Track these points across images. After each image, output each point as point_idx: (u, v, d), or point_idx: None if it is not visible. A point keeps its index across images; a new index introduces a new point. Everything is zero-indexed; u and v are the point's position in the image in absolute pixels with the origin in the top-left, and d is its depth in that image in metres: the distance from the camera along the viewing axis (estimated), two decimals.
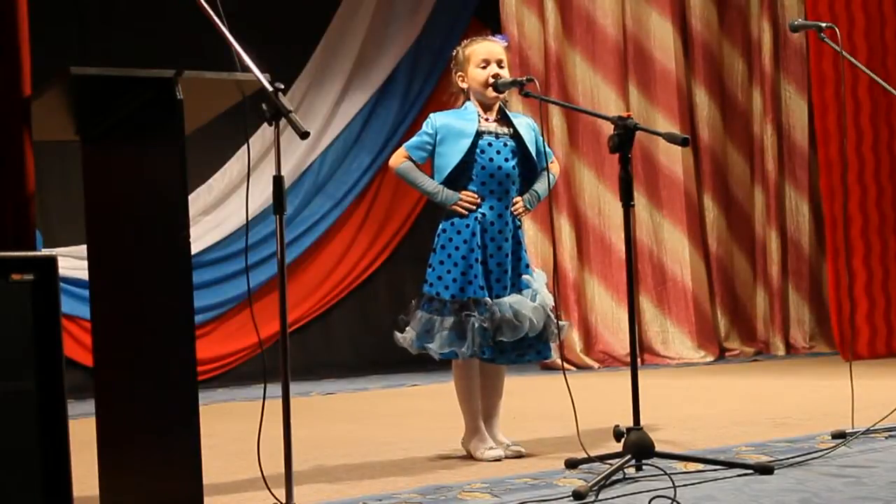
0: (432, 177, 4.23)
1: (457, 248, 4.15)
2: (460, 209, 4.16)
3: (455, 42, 4.39)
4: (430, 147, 4.23)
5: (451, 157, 4.18)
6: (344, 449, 4.56)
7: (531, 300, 4.14)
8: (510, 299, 4.13)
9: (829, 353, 8.43)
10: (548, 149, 4.28)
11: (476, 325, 4.06)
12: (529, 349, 4.19)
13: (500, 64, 4.21)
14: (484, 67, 4.20)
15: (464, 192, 4.17)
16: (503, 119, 4.27)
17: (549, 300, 4.19)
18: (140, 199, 3.18)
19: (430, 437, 4.76)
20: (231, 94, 3.25)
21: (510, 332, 4.09)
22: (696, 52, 8.68)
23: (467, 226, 4.16)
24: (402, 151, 4.26)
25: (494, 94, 4.19)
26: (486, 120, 4.23)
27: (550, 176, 4.24)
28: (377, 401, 6.79)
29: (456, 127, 4.21)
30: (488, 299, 4.10)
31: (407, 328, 4.19)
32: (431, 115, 4.30)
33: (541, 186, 4.25)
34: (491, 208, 4.18)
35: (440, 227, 4.23)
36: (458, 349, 4.09)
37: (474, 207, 4.16)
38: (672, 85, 8.46)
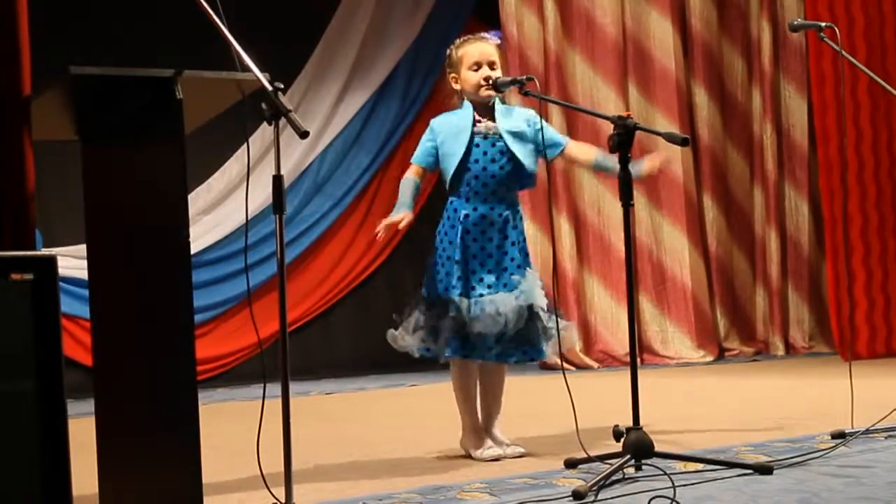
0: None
1: (443, 251, 4.20)
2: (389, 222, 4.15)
3: (457, 37, 4.38)
4: (434, 150, 4.25)
5: (450, 158, 4.21)
6: (344, 449, 4.57)
7: (514, 299, 4.13)
8: (493, 296, 4.12)
9: (828, 353, 8.43)
10: (556, 136, 4.34)
11: (445, 322, 4.10)
12: (514, 349, 4.18)
13: (492, 66, 4.20)
14: (476, 70, 4.20)
15: (395, 217, 4.16)
16: (495, 118, 4.28)
17: (540, 301, 4.18)
18: (140, 199, 3.18)
19: (430, 437, 4.76)
20: (231, 93, 3.25)
21: (491, 326, 4.09)
22: (696, 51, 8.68)
23: (452, 227, 4.19)
24: (412, 166, 4.31)
25: (487, 95, 4.20)
26: (480, 122, 4.24)
27: (590, 149, 4.36)
28: (377, 400, 6.79)
29: (454, 125, 4.24)
30: (456, 297, 4.10)
31: (399, 329, 4.24)
32: (431, 120, 4.33)
33: (605, 160, 4.25)
34: (475, 209, 4.18)
35: (438, 229, 4.28)
36: (430, 346, 4.15)
37: (391, 229, 4.15)
38: (672, 84, 8.46)
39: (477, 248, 4.17)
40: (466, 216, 4.18)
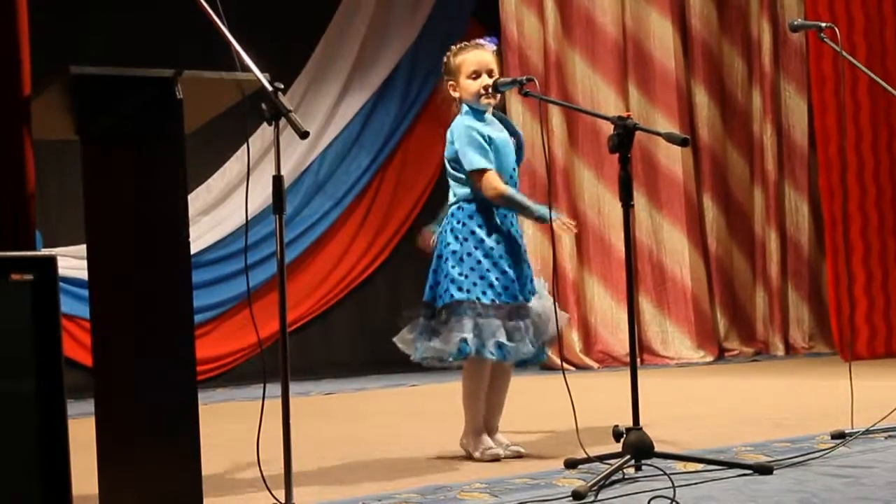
0: None
1: (486, 256, 4.10)
2: (561, 230, 4.15)
3: (455, 42, 4.37)
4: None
5: (501, 168, 4.16)
6: (344, 449, 4.56)
7: (546, 303, 4.17)
8: (540, 301, 4.16)
9: (828, 353, 8.43)
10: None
11: (525, 327, 4.07)
12: (539, 349, 4.19)
13: (490, 74, 4.19)
14: (475, 78, 4.18)
15: (565, 220, 4.18)
16: (500, 123, 4.29)
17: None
18: (140, 199, 3.18)
19: (430, 437, 4.76)
20: (231, 93, 3.25)
21: (546, 329, 4.12)
22: (696, 51, 8.68)
23: (497, 229, 4.14)
24: (492, 175, 4.10)
25: (487, 103, 4.19)
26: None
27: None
28: (377, 401, 6.79)
29: (498, 139, 4.19)
30: (529, 300, 4.12)
31: (445, 336, 4.06)
32: (461, 125, 4.18)
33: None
34: (505, 215, 4.19)
35: (459, 234, 4.14)
36: (505, 352, 4.06)
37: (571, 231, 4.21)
38: (672, 85, 8.46)
39: (517, 249, 4.19)
40: (505, 216, 4.18)
